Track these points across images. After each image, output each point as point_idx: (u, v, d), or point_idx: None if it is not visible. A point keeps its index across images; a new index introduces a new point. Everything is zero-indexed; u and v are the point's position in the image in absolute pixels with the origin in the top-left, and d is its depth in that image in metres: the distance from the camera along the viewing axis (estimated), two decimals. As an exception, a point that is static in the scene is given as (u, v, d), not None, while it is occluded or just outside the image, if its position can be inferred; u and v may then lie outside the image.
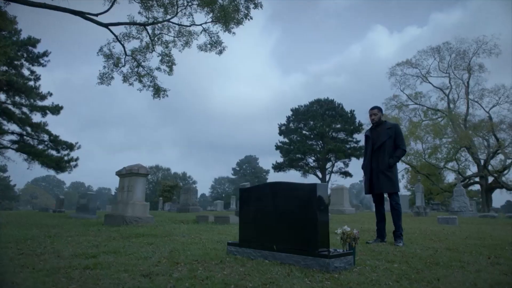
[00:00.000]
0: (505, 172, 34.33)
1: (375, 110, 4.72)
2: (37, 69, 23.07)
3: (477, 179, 36.79)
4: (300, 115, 49.26)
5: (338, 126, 49.00)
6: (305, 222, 2.96)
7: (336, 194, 18.57)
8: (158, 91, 18.96)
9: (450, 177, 43.90)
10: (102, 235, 5.13)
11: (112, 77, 18.62)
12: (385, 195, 4.70)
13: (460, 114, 38.08)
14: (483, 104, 35.87)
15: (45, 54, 24.97)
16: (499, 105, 34.71)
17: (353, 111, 48.27)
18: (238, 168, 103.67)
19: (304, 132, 50.28)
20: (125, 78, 18.68)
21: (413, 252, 3.67)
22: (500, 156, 35.67)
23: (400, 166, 40.57)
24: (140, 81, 18.96)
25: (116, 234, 5.30)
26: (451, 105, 39.38)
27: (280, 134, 52.10)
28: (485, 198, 35.80)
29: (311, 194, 2.97)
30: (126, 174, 7.58)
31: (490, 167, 34.63)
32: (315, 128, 47.11)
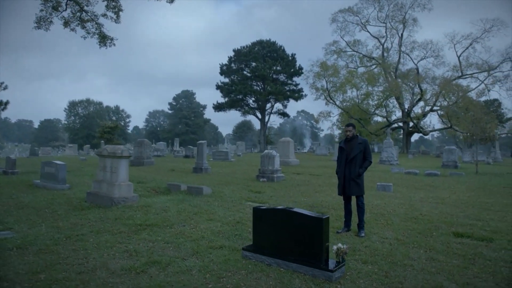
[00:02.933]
0: (424, 118, 39.01)
1: (350, 127, 5.79)
2: None
3: (400, 124, 41.34)
4: (242, 56, 49.08)
5: (279, 68, 50.00)
6: (314, 242, 4.05)
7: (282, 147, 20.19)
8: (104, 39, 18.01)
9: (377, 118, 48.47)
10: (111, 228, 5.80)
11: (51, 22, 17.19)
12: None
13: (392, 63, 41.16)
14: (413, 56, 39.23)
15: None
16: (426, 58, 38.28)
17: (294, 54, 49.42)
18: (175, 103, 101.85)
19: (245, 73, 50.55)
20: (66, 23, 17.31)
21: (375, 247, 5.03)
22: (421, 104, 40.10)
23: (336, 111, 43.67)
24: (83, 27, 17.75)
25: (121, 225, 6.00)
26: (385, 54, 42.19)
27: (221, 74, 51.86)
28: (405, 140, 40.75)
29: (319, 223, 4.04)
30: (108, 156, 7.96)
31: (412, 114, 38.97)
32: (256, 69, 47.54)
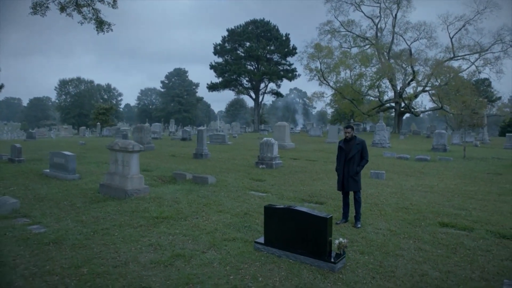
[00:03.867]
0: (416, 99, 39.73)
1: (349, 129, 6.35)
2: None
3: (392, 104, 42.04)
4: (236, 36, 48.75)
5: (273, 48, 49.86)
6: (319, 238, 4.68)
7: (278, 131, 20.74)
8: (101, 25, 18.09)
9: (370, 97, 49.16)
10: (131, 222, 6.36)
11: (47, 7, 17.22)
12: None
13: (386, 43, 41.37)
14: (406, 37, 39.46)
15: None
16: (419, 40, 38.56)
17: (288, 34, 49.21)
18: (167, 81, 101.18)
19: (239, 53, 50.33)
20: (62, 8, 17.32)
21: (370, 238, 5.69)
22: (413, 84, 40.69)
23: (330, 91, 44.13)
24: (79, 12, 17.79)
25: (140, 218, 6.56)
26: (379, 34, 42.31)
27: (215, 54, 51.59)
28: (397, 120, 41.54)
29: (324, 221, 4.64)
30: (120, 150, 8.43)
31: (404, 94, 39.60)
32: (250, 50, 47.36)
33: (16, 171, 11.60)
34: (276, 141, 13.44)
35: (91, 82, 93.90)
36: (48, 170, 11.17)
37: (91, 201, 7.91)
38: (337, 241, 4.79)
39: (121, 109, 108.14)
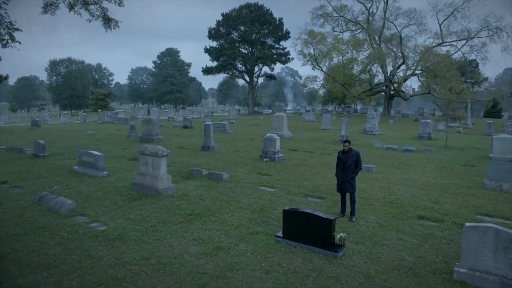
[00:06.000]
0: (406, 82, 41.35)
1: (347, 144, 7.88)
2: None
3: (383, 88, 43.61)
4: (230, 20, 49.21)
5: (266, 32, 50.52)
6: (325, 233, 6.28)
7: (276, 121, 22.21)
8: (108, 22, 19.10)
9: (362, 77, 50.70)
10: (171, 219, 7.86)
11: (57, 6, 18.20)
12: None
13: (377, 28, 42.48)
14: (397, 23, 40.58)
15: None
16: (409, 26, 39.73)
17: (282, 18, 49.83)
18: (159, 61, 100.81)
19: (233, 37, 50.89)
20: (71, 6, 18.25)
21: (362, 230, 7.33)
22: (403, 67, 42.14)
23: (322, 75, 45.46)
24: (87, 9, 18.74)
25: (177, 216, 8.08)
26: (370, 19, 43.30)
27: (209, 38, 52.06)
28: (387, 104, 43.22)
29: (329, 222, 6.24)
30: (150, 154, 9.86)
31: (394, 78, 41.14)
32: (245, 34, 47.95)
33: (47, 168, 12.94)
34: (278, 137, 14.91)
35: (82, 62, 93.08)
36: (77, 167, 12.54)
37: (129, 199, 9.38)
38: (338, 236, 6.40)
39: (111, 87, 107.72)
